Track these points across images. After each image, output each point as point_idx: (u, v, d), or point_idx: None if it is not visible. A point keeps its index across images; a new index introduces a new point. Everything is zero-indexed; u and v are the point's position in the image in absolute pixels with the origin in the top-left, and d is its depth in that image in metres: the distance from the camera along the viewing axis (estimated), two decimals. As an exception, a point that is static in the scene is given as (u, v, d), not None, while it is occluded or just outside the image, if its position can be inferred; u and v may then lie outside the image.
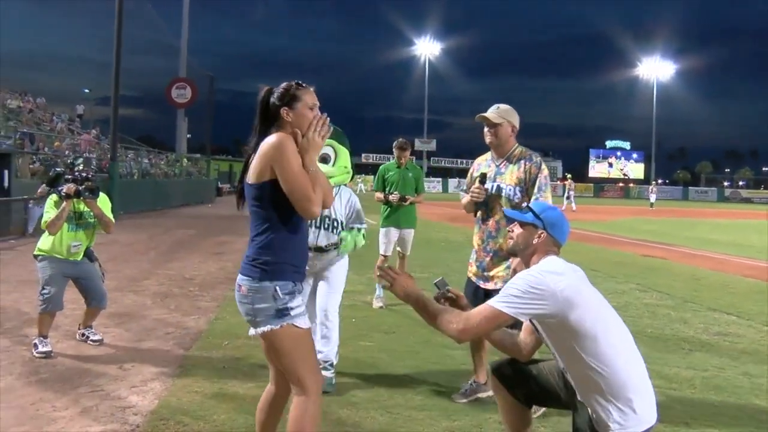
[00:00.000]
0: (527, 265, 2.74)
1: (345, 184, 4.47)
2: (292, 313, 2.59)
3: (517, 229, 2.78)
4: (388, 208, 7.36)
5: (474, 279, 4.23)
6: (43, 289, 5.14)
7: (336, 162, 4.11)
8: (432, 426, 3.80)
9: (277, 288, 2.56)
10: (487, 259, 4.13)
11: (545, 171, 4.08)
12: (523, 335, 2.84)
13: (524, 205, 2.89)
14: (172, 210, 24.68)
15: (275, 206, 2.58)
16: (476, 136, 4.57)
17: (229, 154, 70.19)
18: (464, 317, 2.54)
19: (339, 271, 4.60)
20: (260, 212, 2.61)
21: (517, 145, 4.19)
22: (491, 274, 4.12)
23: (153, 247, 12.82)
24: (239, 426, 3.71)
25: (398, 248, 7.55)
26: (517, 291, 2.49)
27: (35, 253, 5.33)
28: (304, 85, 2.68)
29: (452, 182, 64.85)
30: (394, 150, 7.41)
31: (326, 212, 4.46)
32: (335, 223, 4.52)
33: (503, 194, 4.08)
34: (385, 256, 7.36)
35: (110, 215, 5.49)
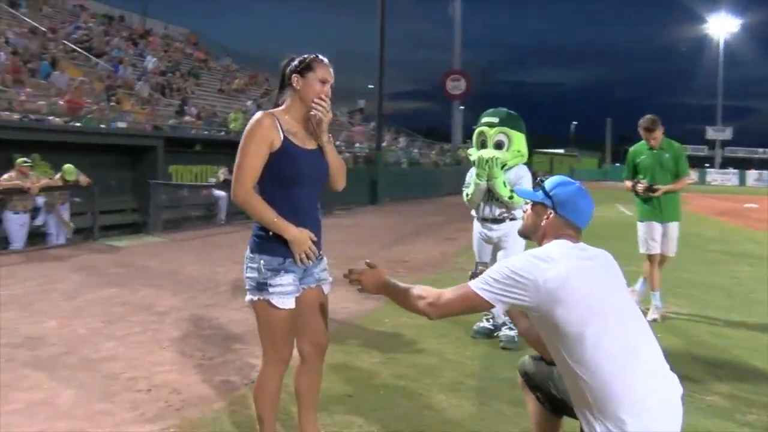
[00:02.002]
0: (539, 241, 2.35)
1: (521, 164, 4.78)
2: (270, 289, 2.58)
3: (529, 210, 2.40)
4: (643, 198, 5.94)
5: None
6: None
7: (510, 147, 4.62)
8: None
9: (262, 261, 2.59)
10: None
11: None
12: None
13: (538, 179, 2.43)
14: (437, 198, 25.38)
15: (265, 182, 2.62)
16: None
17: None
18: (437, 293, 2.24)
19: (516, 239, 4.45)
20: (258, 185, 2.63)
21: None
22: None
23: (393, 231, 13.29)
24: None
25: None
26: (498, 274, 2.14)
27: None
28: (321, 58, 2.69)
29: (751, 174, 56.44)
30: (640, 131, 5.91)
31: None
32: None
33: None
34: (650, 257, 5.90)
35: None
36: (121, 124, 14.80)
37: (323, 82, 2.64)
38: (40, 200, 10.19)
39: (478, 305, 2.18)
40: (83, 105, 14.90)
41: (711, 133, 64.55)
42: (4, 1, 22.16)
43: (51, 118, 12.79)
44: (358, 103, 40.77)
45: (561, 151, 71.21)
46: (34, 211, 10.20)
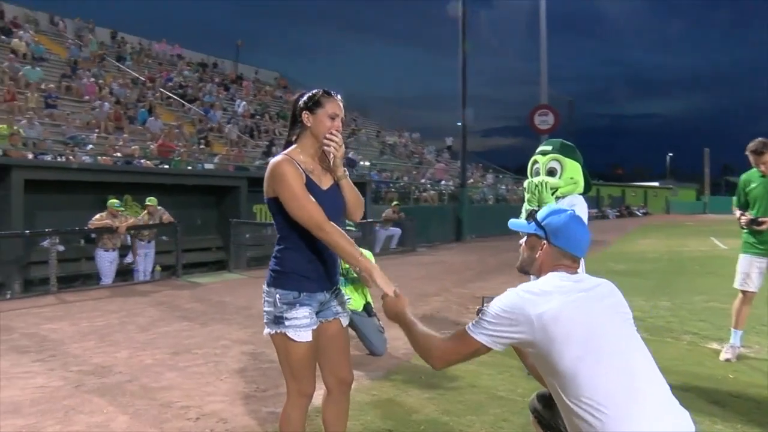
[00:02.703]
0: (536, 273, 2.30)
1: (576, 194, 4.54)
2: (287, 323, 2.62)
3: (523, 241, 2.36)
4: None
5: None
6: None
7: (562, 174, 4.46)
8: None
9: (278, 296, 2.64)
10: None
11: None
12: None
13: (531, 211, 2.39)
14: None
15: (283, 220, 2.65)
16: None
17: (602, 178, 68.38)
18: (439, 343, 2.21)
19: None
20: (275, 222, 2.72)
21: None
22: None
23: (473, 267, 13.21)
24: None
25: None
26: (490, 315, 2.10)
27: None
28: (331, 93, 2.71)
29: None
30: (748, 156, 5.33)
31: None
32: None
33: None
34: (744, 293, 5.40)
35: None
36: (209, 166, 15.52)
37: (333, 117, 2.66)
38: (129, 239, 10.82)
39: (477, 350, 2.13)
40: (174, 148, 15.79)
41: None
42: (113, 56, 23.94)
43: (142, 161, 13.60)
44: (446, 141, 40.95)
45: (656, 184, 68.61)
46: (124, 249, 10.84)
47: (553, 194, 4.50)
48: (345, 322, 2.86)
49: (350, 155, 23.22)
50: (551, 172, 4.49)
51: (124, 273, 11.00)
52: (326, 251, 2.70)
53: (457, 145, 44.47)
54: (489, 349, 2.11)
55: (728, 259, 14.55)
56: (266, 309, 2.68)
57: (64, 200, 11.25)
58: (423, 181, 24.77)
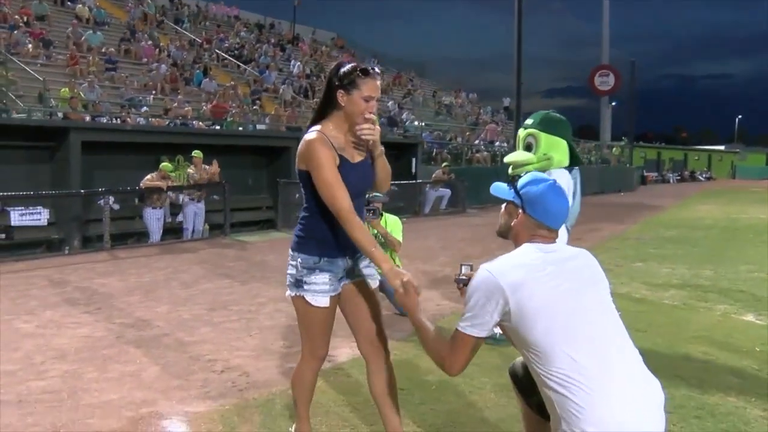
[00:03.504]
0: (514, 243, 2.30)
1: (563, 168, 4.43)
2: (305, 287, 2.67)
3: (503, 207, 2.34)
4: None
5: None
6: None
7: (536, 150, 4.35)
8: None
9: (299, 260, 2.68)
10: None
11: None
12: None
13: (515, 176, 2.42)
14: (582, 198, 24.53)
15: (311, 192, 2.65)
16: None
17: (665, 141, 66.15)
18: (446, 351, 2.19)
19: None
20: (303, 191, 2.73)
21: None
22: None
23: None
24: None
25: None
26: (469, 303, 2.11)
27: None
28: (371, 71, 2.60)
29: None
30: None
31: None
32: None
33: None
34: None
35: (399, 236, 5.60)
36: (261, 127, 15.80)
37: (368, 99, 2.57)
38: (180, 197, 11.22)
39: (476, 344, 2.13)
40: (227, 109, 16.11)
41: None
42: (170, 19, 24.39)
43: (194, 122, 13.95)
44: (504, 102, 40.27)
45: (721, 147, 65.96)
46: (175, 208, 11.24)
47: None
48: (374, 284, 2.82)
49: (392, 114, 23.16)
50: (528, 147, 4.39)
51: (176, 231, 11.42)
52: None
53: (514, 105, 43.98)
54: (482, 341, 2.13)
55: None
56: (289, 272, 2.72)
57: (120, 160, 11.74)
58: (477, 142, 24.53)
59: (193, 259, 8.95)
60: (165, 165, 10.80)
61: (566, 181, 4.38)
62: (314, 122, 2.70)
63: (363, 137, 2.63)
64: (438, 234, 12.04)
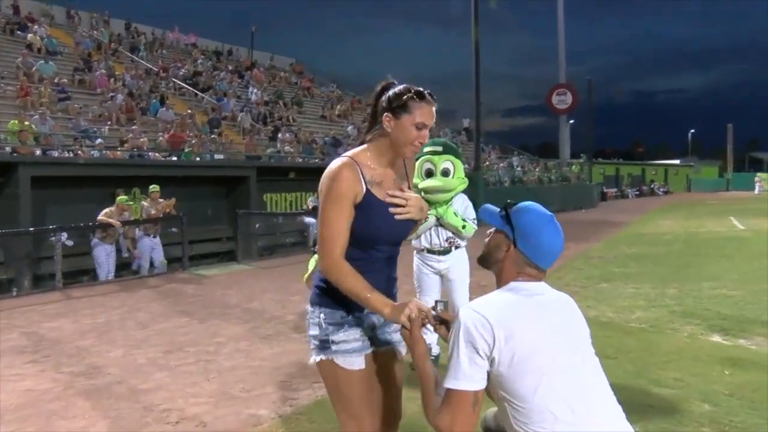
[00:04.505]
0: (497, 286, 2.03)
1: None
2: (334, 347, 2.20)
3: (490, 234, 2.08)
4: None
5: None
6: None
7: (455, 174, 4.62)
8: None
9: (322, 315, 2.23)
10: None
11: None
12: None
13: (508, 202, 2.08)
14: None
15: None
16: None
17: (622, 157, 67.39)
18: (446, 416, 1.87)
19: (462, 268, 4.84)
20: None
21: None
22: None
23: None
24: None
25: None
26: (455, 350, 1.85)
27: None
28: (425, 95, 2.19)
29: None
30: None
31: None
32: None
33: None
34: None
35: None
36: (220, 156, 15.54)
37: (420, 127, 2.18)
38: (135, 231, 10.89)
39: (475, 399, 1.84)
40: (185, 139, 15.81)
41: None
42: (126, 47, 24.03)
43: (150, 154, 13.65)
44: (463, 122, 40.56)
45: (677, 161, 67.51)
46: (133, 242, 10.91)
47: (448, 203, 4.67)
48: (402, 352, 2.37)
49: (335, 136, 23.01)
50: (445, 173, 4.59)
51: (132, 266, 11.07)
52: (382, 263, 2.30)
53: (474, 126, 44.35)
54: (478, 394, 1.84)
55: (744, 241, 14.33)
56: (311, 333, 2.26)
57: (74, 195, 11.37)
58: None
59: (150, 296, 8.64)
60: (121, 198, 10.49)
61: (468, 202, 4.80)
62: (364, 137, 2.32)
63: (397, 216, 2.23)
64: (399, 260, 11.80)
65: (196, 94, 21.78)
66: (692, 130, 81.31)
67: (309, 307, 2.30)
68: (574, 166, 38.31)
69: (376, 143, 2.25)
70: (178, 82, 22.18)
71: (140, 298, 8.55)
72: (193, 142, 15.45)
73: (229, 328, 6.60)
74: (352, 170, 2.16)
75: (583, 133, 43.97)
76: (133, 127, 15.70)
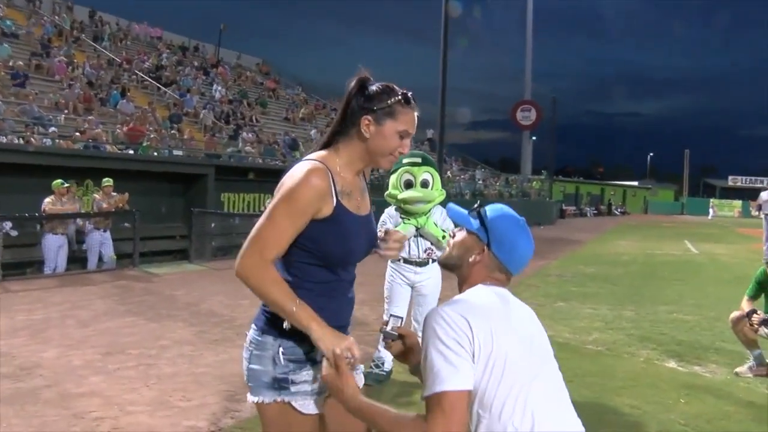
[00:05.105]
0: (459, 290, 1.86)
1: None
2: (293, 388, 1.85)
3: (459, 235, 1.90)
4: None
5: None
6: None
7: (434, 185, 4.60)
8: None
9: (281, 349, 1.86)
10: None
11: None
12: None
13: (477, 204, 1.92)
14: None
15: (298, 245, 1.88)
16: None
17: (582, 176, 68.38)
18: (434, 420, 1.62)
19: (436, 283, 4.77)
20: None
21: None
22: None
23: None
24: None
25: None
26: (435, 355, 1.63)
27: None
28: (411, 100, 1.91)
29: None
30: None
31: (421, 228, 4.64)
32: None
33: None
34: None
35: None
36: (178, 152, 15.14)
37: (403, 135, 1.91)
38: (86, 225, 10.47)
39: (468, 400, 1.65)
40: (144, 132, 15.36)
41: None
42: (89, 36, 23.37)
43: (106, 146, 13.19)
44: (427, 133, 40.63)
45: (635, 183, 68.90)
46: (80, 235, 10.48)
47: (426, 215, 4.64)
48: (360, 380, 2.02)
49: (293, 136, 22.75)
50: (425, 184, 4.58)
51: (80, 261, 10.62)
52: (348, 285, 2.01)
53: (438, 137, 44.50)
54: (467, 398, 1.64)
55: (699, 265, 14.51)
56: (258, 366, 1.87)
57: (22, 183, 10.85)
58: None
59: (96, 293, 8.26)
60: (56, 182, 9.92)
61: (447, 215, 4.52)
62: (319, 150, 1.97)
63: (382, 253, 2.05)
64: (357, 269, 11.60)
65: (159, 88, 21.28)
66: (651, 154, 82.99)
67: (254, 335, 1.90)
68: (534, 182, 38.65)
69: (347, 148, 1.93)
70: (141, 74, 21.65)
71: (84, 294, 8.17)
72: (152, 136, 15.02)
73: (175, 331, 6.32)
74: (323, 179, 1.83)
75: (544, 150, 44.45)
76: (90, 117, 15.20)
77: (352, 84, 1.92)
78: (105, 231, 10.51)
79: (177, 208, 13.78)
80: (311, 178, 1.81)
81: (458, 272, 1.88)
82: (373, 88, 1.91)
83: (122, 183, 11.16)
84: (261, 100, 26.55)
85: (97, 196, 10.79)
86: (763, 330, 5.16)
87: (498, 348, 1.64)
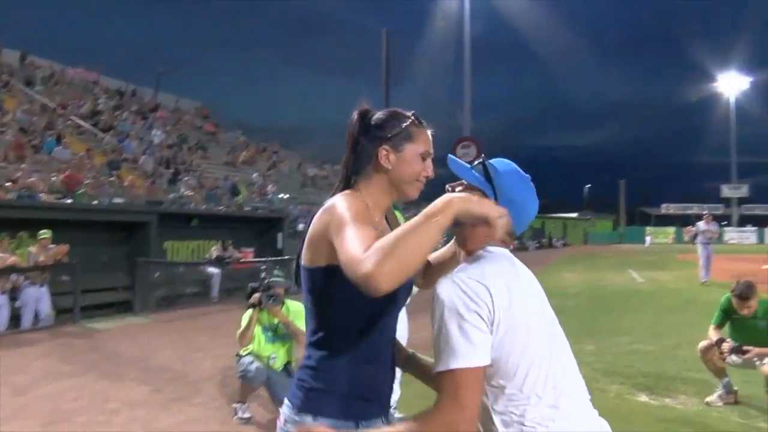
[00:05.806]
0: (462, 249, 1.75)
1: None
2: None
3: (467, 191, 1.70)
4: None
5: None
6: (241, 365, 5.01)
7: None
8: None
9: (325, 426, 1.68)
10: None
11: None
12: None
13: (481, 158, 1.75)
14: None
15: (334, 304, 1.68)
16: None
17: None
18: (445, 404, 1.52)
19: (402, 327, 4.28)
20: (314, 310, 1.73)
21: None
22: None
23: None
24: None
25: None
26: (451, 328, 1.50)
27: (239, 352, 5.11)
28: (422, 121, 1.81)
29: (771, 232, 56.04)
30: (732, 299, 5.31)
31: None
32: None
33: None
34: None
35: (302, 325, 4.98)
36: (119, 200, 14.61)
37: (425, 156, 1.78)
38: (22, 281, 9.87)
39: (483, 377, 1.53)
40: (81, 180, 14.79)
41: (726, 191, 63.97)
42: (20, 80, 22.61)
43: (42, 195, 12.61)
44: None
45: (574, 215, 70.55)
46: (12, 291, 9.87)
47: None
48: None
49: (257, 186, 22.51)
50: None
51: (14, 319, 9.97)
52: (386, 352, 1.80)
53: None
54: (482, 375, 1.53)
55: (647, 294, 14.75)
56: None
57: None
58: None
59: (33, 354, 7.71)
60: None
61: None
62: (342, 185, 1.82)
63: None
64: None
65: (96, 134, 20.67)
66: (588, 185, 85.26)
67: (291, 413, 1.69)
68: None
69: (369, 187, 1.77)
70: (77, 120, 21.01)
71: (19, 356, 7.61)
72: (88, 182, 14.47)
73: (124, 391, 5.91)
74: (366, 210, 1.66)
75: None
76: (23, 166, 14.56)
77: (354, 119, 1.80)
78: (42, 286, 9.93)
79: (119, 258, 13.20)
80: (354, 202, 1.64)
81: (459, 229, 1.73)
82: (380, 116, 1.79)
83: (60, 233, 10.62)
84: (201, 144, 26.13)
85: (33, 249, 10.22)
86: (732, 357, 5.17)
87: (517, 314, 1.56)
